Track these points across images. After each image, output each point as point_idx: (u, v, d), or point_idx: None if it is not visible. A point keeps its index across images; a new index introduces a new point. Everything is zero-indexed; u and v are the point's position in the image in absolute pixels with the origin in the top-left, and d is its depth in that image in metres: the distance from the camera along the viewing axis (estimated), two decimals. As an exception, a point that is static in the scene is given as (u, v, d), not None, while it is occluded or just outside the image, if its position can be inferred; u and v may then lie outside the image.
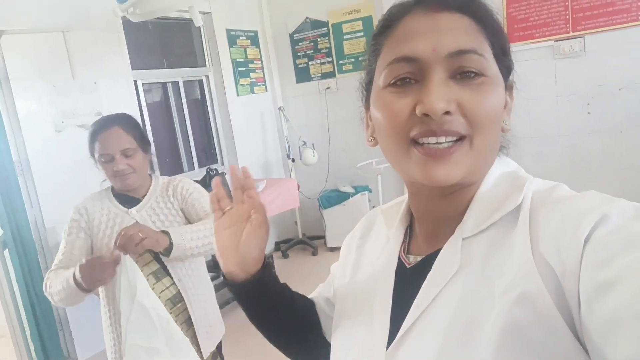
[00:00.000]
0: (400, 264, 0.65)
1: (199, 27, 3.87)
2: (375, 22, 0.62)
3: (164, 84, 4.10)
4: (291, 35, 4.77)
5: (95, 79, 3.26)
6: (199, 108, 4.44)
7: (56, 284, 1.48)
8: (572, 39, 3.52)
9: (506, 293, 0.49)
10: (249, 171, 0.79)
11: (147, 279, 1.53)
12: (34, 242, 2.92)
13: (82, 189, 3.00)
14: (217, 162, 4.50)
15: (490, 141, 0.56)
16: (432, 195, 0.60)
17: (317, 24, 4.62)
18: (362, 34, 4.42)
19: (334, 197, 4.50)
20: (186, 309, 1.63)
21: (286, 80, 4.92)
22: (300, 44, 4.76)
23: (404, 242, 0.67)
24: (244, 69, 4.57)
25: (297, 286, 0.83)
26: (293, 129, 4.78)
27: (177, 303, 1.61)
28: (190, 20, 3.38)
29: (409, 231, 0.69)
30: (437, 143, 0.53)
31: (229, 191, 0.79)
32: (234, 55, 4.45)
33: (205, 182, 3.46)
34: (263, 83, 4.82)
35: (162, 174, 2.09)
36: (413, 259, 0.64)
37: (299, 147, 4.61)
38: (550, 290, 0.46)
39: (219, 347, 1.79)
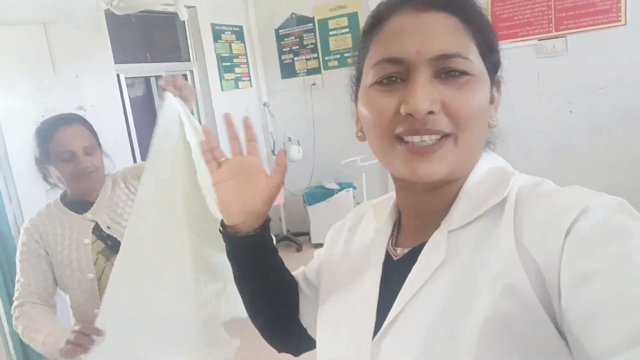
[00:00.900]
0: (387, 256, 0.66)
1: (184, 21, 3.83)
2: (362, 19, 0.62)
3: (147, 79, 4.05)
4: (277, 31, 4.75)
5: (77, 73, 3.20)
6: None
7: (36, 334, 1.36)
8: (554, 38, 3.57)
9: (491, 285, 0.50)
10: (250, 121, 0.79)
11: None
12: (13, 238, 2.87)
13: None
14: (201, 157, 4.46)
15: (476, 138, 0.57)
16: (419, 190, 0.61)
17: (302, 20, 4.61)
18: (347, 30, 4.42)
19: (319, 194, 4.50)
20: None
21: (271, 75, 4.90)
22: (285, 39, 4.74)
23: (392, 234, 0.68)
24: (229, 63, 4.54)
25: (281, 283, 0.83)
26: (278, 125, 4.76)
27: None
28: (175, 14, 3.35)
29: (398, 225, 0.69)
30: (421, 141, 0.54)
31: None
32: (218, 50, 4.41)
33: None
34: (248, 78, 4.79)
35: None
36: (400, 251, 0.65)
37: (284, 143, 4.60)
38: (532, 282, 0.47)
39: None
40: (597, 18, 3.41)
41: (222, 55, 4.47)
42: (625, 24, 3.34)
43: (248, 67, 4.79)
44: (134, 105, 3.79)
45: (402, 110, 0.54)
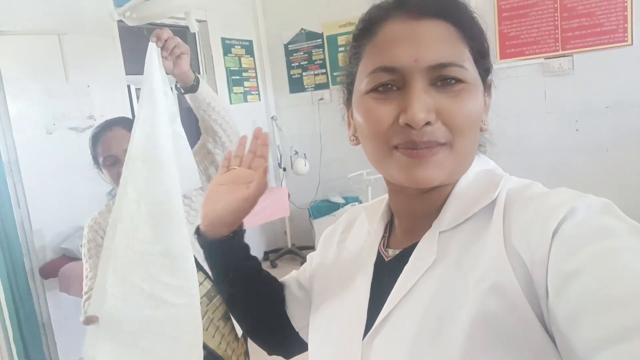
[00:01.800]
0: (379, 257, 0.67)
1: (194, 34, 3.89)
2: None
3: (157, 90, 4.10)
4: (286, 46, 4.81)
5: (89, 83, 3.26)
6: (192, 115, 4.44)
7: None
8: (561, 57, 3.59)
9: (479, 284, 0.51)
10: (267, 139, 0.80)
11: None
12: (19, 244, 2.90)
13: (70, 192, 3.00)
14: (208, 169, 4.49)
15: (470, 144, 0.58)
16: (411, 193, 0.62)
17: (311, 36, 4.66)
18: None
19: (324, 208, 4.51)
20: (222, 303, 1.57)
21: (280, 90, 4.94)
22: (294, 54, 4.80)
23: (384, 236, 0.69)
24: (238, 77, 4.59)
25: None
26: (285, 139, 4.79)
27: (212, 298, 1.56)
28: (186, 28, 3.40)
29: (389, 227, 0.70)
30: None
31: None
32: (228, 64, 4.47)
33: (195, 189, 3.46)
34: (256, 92, 4.84)
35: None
36: (392, 253, 0.66)
37: (291, 157, 4.63)
38: (520, 282, 0.48)
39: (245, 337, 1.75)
40: (604, 38, 3.43)
41: (232, 68, 4.52)
42: (632, 44, 3.35)
43: (257, 81, 4.84)
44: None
45: (401, 121, 0.54)
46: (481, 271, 0.51)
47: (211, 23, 4.29)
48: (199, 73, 4.35)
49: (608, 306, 0.40)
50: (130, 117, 3.58)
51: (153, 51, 1.29)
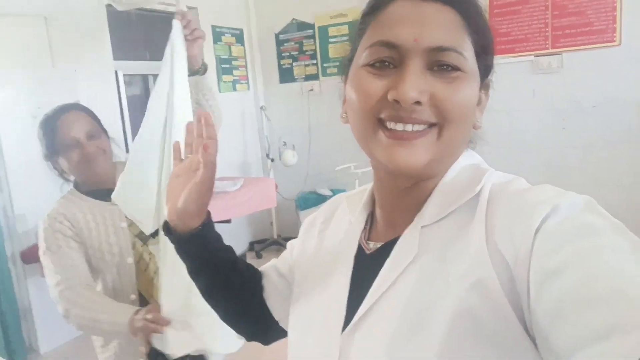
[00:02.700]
0: (360, 249, 0.66)
1: (184, 21, 3.84)
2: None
3: (145, 77, 4.05)
4: (277, 36, 4.78)
5: (76, 68, 3.20)
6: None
7: (101, 314, 1.32)
8: (551, 55, 3.61)
9: (460, 280, 0.50)
10: (210, 118, 0.77)
11: (157, 268, 1.45)
12: (1, 228, 2.86)
13: (54, 178, 2.95)
14: (195, 158, 4.46)
15: (459, 136, 0.57)
16: (396, 184, 0.61)
17: (303, 26, 4.63)
18: (347, 38, 4.42)
19: (312, 199, 4.50)
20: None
21: (269, 80, 4.91)
22: (285, 44, 4.76)
23: (365, 228, 0.68)
24: (228, 66, 4.55)
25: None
26: (274, 129, 4.77)
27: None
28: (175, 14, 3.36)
29: (371, 218, 0.70)
30: (404, 130, 0.55)
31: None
32: (217, 52, 4.43)
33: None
34: (246, 81, 4.80)
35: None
36: (373, 246, 0.65)
37: (279, 148, 4.61)
38: (501, 279, 0.48)
39: None
40: (593, 37, 3.46)
41: (222, 57, 4.48)
42: (620, 44, 3.39)
43: (247, 70, 4.80)
44: (131, 103, 3.78)
45: (390, 96, 0.54)
46: (463, 267, 0.51)
47: (202, 10, 4.23)
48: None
49: (590, 304, 0.40)
50: (118, 102, 3.55)
51: (178, 28, 1.36)
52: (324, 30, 4.55)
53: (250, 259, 4.49)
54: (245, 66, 4.79)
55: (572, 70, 3.57)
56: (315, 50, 4.63)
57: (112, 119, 3.42)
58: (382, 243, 0.63)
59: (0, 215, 2.89)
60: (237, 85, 4.69)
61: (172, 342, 1.30)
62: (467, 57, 0.55)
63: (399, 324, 0.53)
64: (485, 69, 0.60)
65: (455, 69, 0.54)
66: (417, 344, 0.51)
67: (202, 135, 0.76)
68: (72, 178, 1.52)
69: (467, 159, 0.62)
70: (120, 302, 1.41)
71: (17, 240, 3.00)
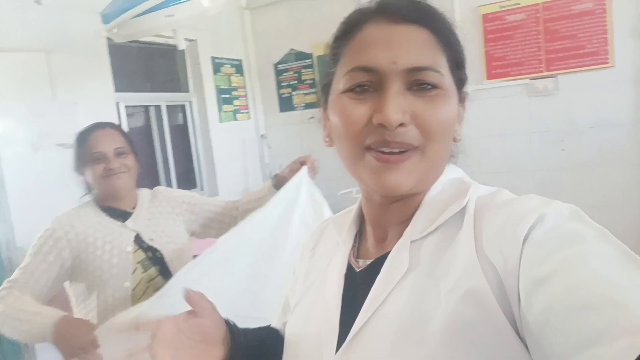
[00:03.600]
0: (349, 268, 0.66)
1: (183, 52, 3.91)
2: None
3: (146, 108, 4.10)
4: (275, 66, 4.85)
5: (77, 100, 3.25)
6: (181, 133, 4.44)
7: (24, 313, 1.29)
8: (546, 77, 3.66)
9: (452, 291, 0.51)
10: (199, 298, 0.67)
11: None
12: (1, 260, 2.85)
13: (57, 209, 2.95)
14: (196, 187, 4.47)
15: (442, 151, 0.59)
16: (384, 201, 0.62)
17: (301, 56, 4.71)
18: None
19: (313, 226, 4.48)
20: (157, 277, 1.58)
21: (269, 108, 4.96)
22: (284, 74, 4.83)
23: (353, 246, 0.69)
24: (228, 96, 4.62)
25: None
26: (274, 157, 4.80)
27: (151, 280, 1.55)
28: (174, 47, 3.43)
29: (359, 236, 0.70)
30: (390, 151, 0.56)
31: None
32: (217, 82, 4.49)
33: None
34: (246, 111, 4.86)
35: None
36: (362, 263, 0.65)
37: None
38: (493, 288, 0.48)
39: None
40: (586, 59, 3.51)
41: (221, 87, 4.54)
42: (614, 66, 3.43)
43: (247, 99, 4.87)
44: (132, 134, 3.82)
45: (375, 120, 0.55)
46: (453, 279, 0.51)
47: (201, 42, 4.32)
48: (187, 91, 4.38)
49: (579, 311, 0.41)
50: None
51: (305, 171, 1.69)
52: (322, 59, 4.61)
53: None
54: (246, 96, 4.86)
55: (568, 92, 3.60)
56: (314, 79, 4.69)
57: (113, 150, 3.45)
58: (372, 260, 0.63)
59: (1, 247, 2.88)
60: (238, 115, 4.74)
61: None
62: (444, 74, 0.57)
63: (394, 339, 0.53)
64: (460, 82, 0.61)
65: (434, 86, 0.56)
66: (413, 359, 0.51)
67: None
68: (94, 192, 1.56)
69: (450, 173, 0.63)
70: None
71: (17, 273, 2.99)
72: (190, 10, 2.10)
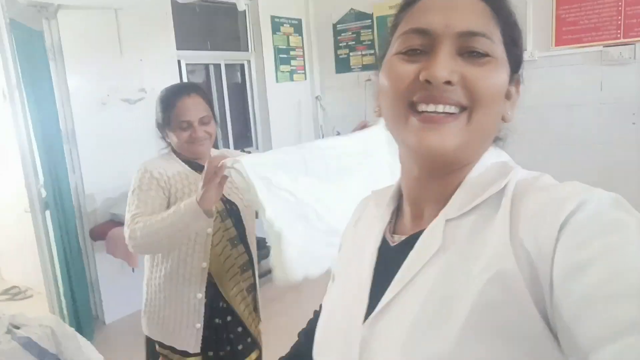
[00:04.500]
0: (384, 243, 0.67)
1: (244, 11, 3.93)
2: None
3: (206, 66, 4.20)
4: (334, 26, 4.79)
5: (142, 57, 3.37)
6: (239, 92, 4.52)
7: (161, 215, 1.41)
8: (622, 45, 3.41)
9: (482, 273, 0.51)
10: None
11: (226, 245, 1.57)
12: (73, 207, 3.08)
13: (121, 160, 3.15)
14: (252, 145, 4.58)
15: (489, 120, 0.58)
16: (423, 175, 0.62)
17: (361, 16, 4.62)
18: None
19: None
20: (252, 276, 1.68)
21: (326, 70, 4.94)
22: (342, 34, 4.77)
23: (390, 221, 0.69)
24: (285, 56, 4.63)
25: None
26: (328, 119, 4.81)
27: (245, 270, 1.65)
28: (234, 5, 3.45)
29: (397, 212, 0.71)
30: (435, 112, 0.55)
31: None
32: (276, 42, 4.51)
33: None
34: (303, 71, 4.86)
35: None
36: (397, 238, 0.66)
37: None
38: (523, 272, 0.48)
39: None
40: (671, 26, 3.23)
41: (280, 47, 4.55)
42: (702, 33, 3.15)
43: (304, 60, 4.86)
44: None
45: (421, 77, 0.55)
46: (485, 260, 0.51)
47: (262, 1, 4.32)
48: (247, 50, 4.42)
49: (614, 300, 0.41)
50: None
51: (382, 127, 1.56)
52: (382, 20, 4.51)
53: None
54: (303, 56, 4.85)
55: (645, 61, 3.35)
56: (372, 40, 4.60)
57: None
58: (407, 236, 0.64)
59: (72, 195, 3.11)
60: (294, 75, 4.76)
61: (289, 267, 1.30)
62: (497, 43, 0.56)
63: (420, 314, 0.54)
64: (515, 63, 0.60)
65: (485, 54, 0.55)
66: (435, 336, 0.52)
67: None
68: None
69: (495, 157, 0.62)
70: (192, 266, 1.53)
71: (87, 219, 3.22)
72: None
